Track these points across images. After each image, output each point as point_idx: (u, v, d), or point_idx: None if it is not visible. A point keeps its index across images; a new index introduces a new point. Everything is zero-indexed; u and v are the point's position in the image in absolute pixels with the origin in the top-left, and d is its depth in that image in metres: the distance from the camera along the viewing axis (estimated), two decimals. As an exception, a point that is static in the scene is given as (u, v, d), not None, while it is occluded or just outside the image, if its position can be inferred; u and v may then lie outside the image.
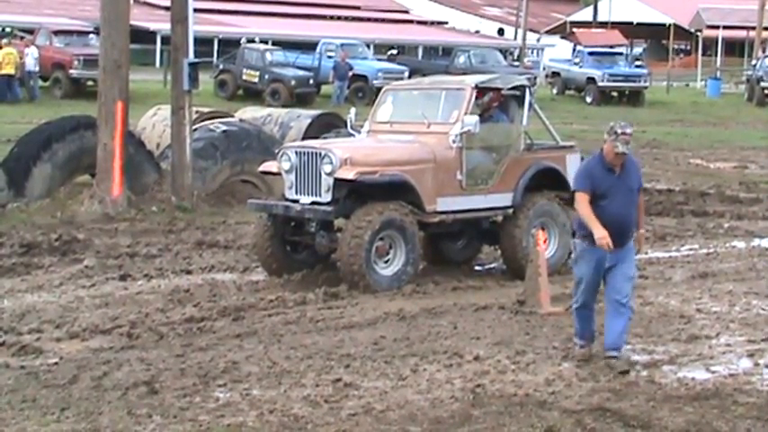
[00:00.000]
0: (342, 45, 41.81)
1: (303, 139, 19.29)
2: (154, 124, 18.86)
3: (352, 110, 13.68)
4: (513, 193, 12.51)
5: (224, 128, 17.38)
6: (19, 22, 47.07)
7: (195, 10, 16.80)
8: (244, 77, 38.56)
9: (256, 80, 38.21)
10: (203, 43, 41.34)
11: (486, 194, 12.41)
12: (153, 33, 48.13)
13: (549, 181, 12.89)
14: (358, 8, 66.81)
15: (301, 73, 38.37)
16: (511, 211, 12.52)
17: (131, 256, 13.03)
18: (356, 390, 8.21)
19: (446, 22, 69.20)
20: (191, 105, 16.31)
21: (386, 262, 11.73)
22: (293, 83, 37.33)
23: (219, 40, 50.34)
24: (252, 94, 37.72)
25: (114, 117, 15.56)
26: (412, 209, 11.87)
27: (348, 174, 11.52)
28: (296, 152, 12.09)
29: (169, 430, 7.33)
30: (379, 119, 12.99)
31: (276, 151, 12.72)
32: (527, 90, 12.93)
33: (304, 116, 20.26)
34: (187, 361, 8.83)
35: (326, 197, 11.69)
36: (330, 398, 8.01)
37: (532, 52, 61.21)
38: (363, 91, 38.93)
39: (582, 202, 8.85)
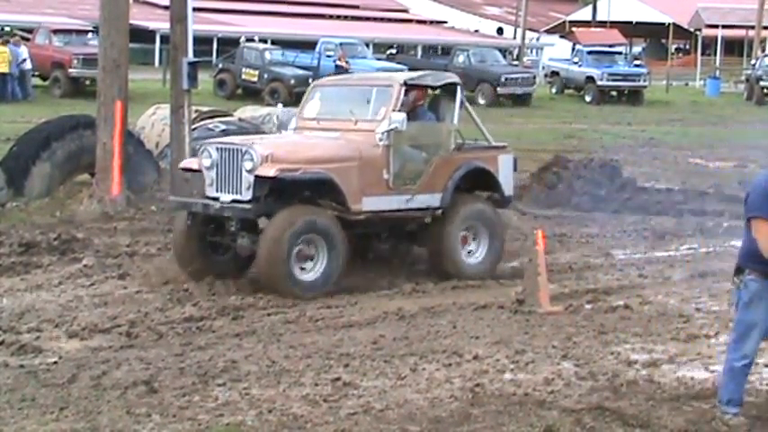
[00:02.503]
0: (341, 44, 41.82)
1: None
2: (153, 123, 18.86)
3: (279, 105, 13.53)
4: (442, 194, 12.19)
5: (223, 127, 17.39)
6: (19, 21, 47.07)
7: (194, 9, 16.78)
8: (243, 76, 38.57)
9: (255, 79, 38.22)
10: (203, 42, 41.34)
11: (414, 194, 12.06)
12: (152, 32, 48.14)
13: (480, 182, 12.71)
14: (357, 7, 66.81)
15: (300, 72, 38.35)
16: (440, 212, 12.19)
17: (131, 255, 13.03)
18: (355, 389, 8.21)
19: (445, 22, 69.23)
20: (190, 104, 16.29)
21: (306, 266, 11.26)
22: (292, 82, 37.31)
23: (219, 40, 50.31)
24: (251, 94, 37.72)
25: (113, 116, 15.56)
26: (336, 208, 11.55)
27: (269, 171, 11.14)
28: (217, 148, 11.70)
29: (168, 429, 7.33)
30: (307, 115, 12.71)
31: (196, 147, 12.37)
32: (458, 88, 12.65)
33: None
34: (186, 360, 8.83)
35: (247, 195, 11.27)
36: (329, 397, 8.00)
37: (532, 51, 61.26)
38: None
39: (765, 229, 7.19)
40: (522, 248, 13.47)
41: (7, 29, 42.78)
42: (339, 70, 38.09)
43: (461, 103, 12.59)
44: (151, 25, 47.34)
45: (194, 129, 16.93)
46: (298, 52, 41.82)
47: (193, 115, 17.10)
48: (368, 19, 64.79)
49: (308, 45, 44.66)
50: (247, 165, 11.22)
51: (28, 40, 37.39)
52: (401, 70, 40.32)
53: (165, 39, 35.51)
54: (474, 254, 12.49)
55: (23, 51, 34.73)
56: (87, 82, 34.63)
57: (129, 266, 12.46)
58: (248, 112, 20.63)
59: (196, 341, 9.53)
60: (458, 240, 12.26)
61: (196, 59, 16.31)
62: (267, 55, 39.36)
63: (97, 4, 16.27)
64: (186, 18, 16.19)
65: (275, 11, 61.67)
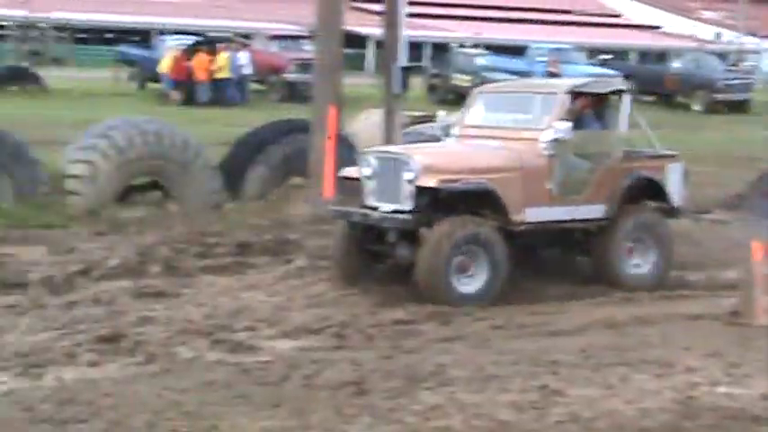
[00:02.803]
0: (552, 49, 41.52)
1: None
2: (365, 127, 19.09)
3: (442, 112, 13.31)
4: (608, 205, 11.84)
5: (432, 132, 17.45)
6: (238, 27, 48.41)
7: (407, 14, 16.92)
8: (454, 82, 38.67)
9: (467, 84, 38.24)
10: (414, 47, 41.64)
11: (579, 205, 11.75)
12: (365, 38, 48.83)
13: (647, 192, 12.28)
14: (569, 12, 66.25)
15: (512, 77, 38.18)
16: (605, 222, 11.87)
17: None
18: (563, 397, 8.12)
19: (660, 26, 67.96)
20: (401, 109, 16.44)
21: (467, 278, 11.04)
22: (502, 87, 37.15)
23: (431, 45, 50.64)
24: (462, 99, 37.71)
25: (327, 120, 15.80)
26: (497, 219, 11.27)
27: (429, 181, 10.95)
28: (377, 157, 11.59)
29: (376, 431, 7.40)
30: (469, 122, 12.46)
31: (357, 156, 12.17)
32: (626, 95, 12.26)
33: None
34: (395, 363, 8.89)
35: (407, 205, 11.09)
36: (536, 404, 7.94)
37: (751, 56, 59.52)
38: (574, 95, 38.52)
39: None
40: (734, 259, 13.07)
41: (226, 35, 44.02)
42: (550, 76, 37.83)
43: (630, 110, 12.22)
44: (364, 30, 47.99)
45: (406, 133, 17.07)
46: (509, 57, 41.73)
47: (405, 120, 17.24)
48: (580, 24, 64.18)
49: (519, 50, 44.52)
50: (407, 175, 11.07)
51: (247, 45, 38.37)
52: (615, 76, 39.89)
53: (378, 44, 35.99)
54: (640, 266, 12.09)
55: (243, 57, 35.66)
56: (302, 86, 35.31)
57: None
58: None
59: (405, 344, 9.60)
60: (623, 252, 11.91)
61: (408, 64, 16.44)
62: (478, 60, 39.38)
63: (313, 10, 16.56)
64: (399, 23, 16.34)
65: (487, 16, 61.71)
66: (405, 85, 16.20)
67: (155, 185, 15.71)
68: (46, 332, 9.70)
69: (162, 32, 44.97)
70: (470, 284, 11.05)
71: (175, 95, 34.23)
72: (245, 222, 14.73)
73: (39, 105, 30.23)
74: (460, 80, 38.39)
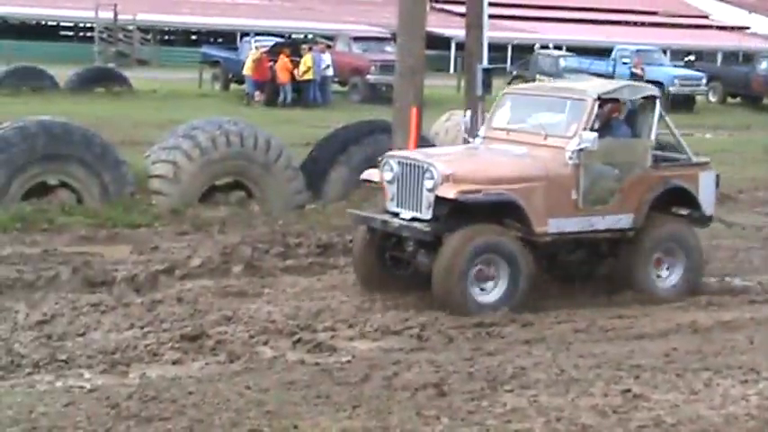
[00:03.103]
0: (637, 51, 41.17)
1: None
2: (447, 129, 19.08)
3: (468, 113, 12.64)
4: (635, 215, 11.46)
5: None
6: (321, 29, 48.67)
7: (490, 16, 16.86)
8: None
9: (549, 86, 38.06)
10: (497, 49, 41.56)
11: (605, 215, 11.36)
12: (448, 39, 48.82)
13: (678, 200, 11.92)
14: (655, 13, 65.67)
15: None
16: (632, 233, 11.50)
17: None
18: (646, 401, 8.05)
19: (748, 28, 67.08)
20: (483, 111, 16.38)
21: (487, 287, 10.75)
22: (587, 89, 36.94)
23: (513, 46, 50.50)
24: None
25: (409, 122, 15.80)
26: (520, 230, 10.99)
27: (449, 192, 10.63)
28: (398, 162, 11.28)
29: (457, 433, 7.40)
30: (496, 124, 12.04)
31: (379, 159, 11.87)
32: (656, 101, 11.82)
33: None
34: (475, 365, 8.86)
35: (427, 214, 10.83)
36: (619, 408, 7.88)
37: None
38: (658, 97, 38.17)
39: None
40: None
41: (310, 36, 44.26)
42: (634, 77, 37.52)
43: (660, 116, 11.78)
44: (447, 32, 48.03)
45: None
46: (593, 59, 41.47)
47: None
48: (665, 25, 63.56)
49: (603, 52, 44.22)
50: (428, 183, 10.80)
51: (329, 47, 38.55)
52: (700, 78, 39.46)
53: (460, 46, 35.92)
54: (667, 278, 11.73)
55: (327, 58, 35.82)
56: (384, 88, 35.40)
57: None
58: (542, 118, 20.59)
59: (485, 346, 9.58)
60: (650, 263, 11.57)
61: (490, 66, 16.38)
62: (561, 62, 39.23)
63: (396, 11, 16.58)
64: (481, 25, 16.30)
65: (570, 17, 61.37)
66: (487, 87, 16.13)
67: (237, 186, 15.82)
68: (130, 330, 9.83)
69: (246, 34, 45.33)
70: (489, 294, 10.77)
71: (258, 96, 34.49)
72: (327, 223, 14.79)
73: (124, 106, 30.62)
74: (543, 82, 38.18)
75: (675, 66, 43.25)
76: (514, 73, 39.81)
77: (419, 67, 16.15)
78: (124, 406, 7.66)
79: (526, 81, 38.46)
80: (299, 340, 9.58)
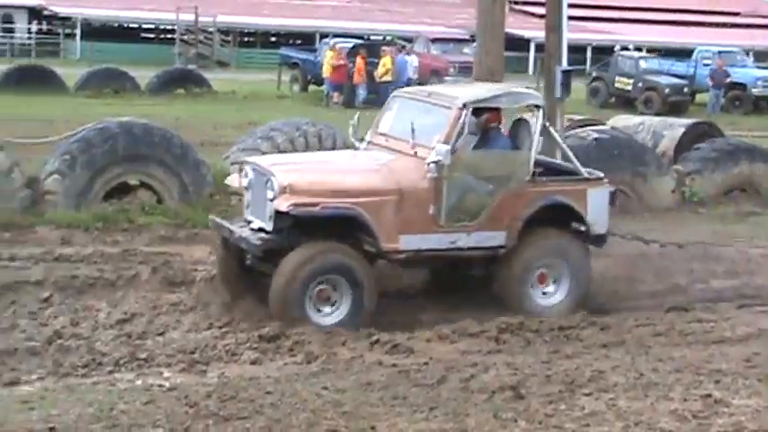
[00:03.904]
0: (719, 52, 40.71)
1: (676, 149, 18.93)
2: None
3: (355, 117, 11.53)
4: (508, 232, 10.53)
5: (595, 136, 17.28)
6: (400, 30, 48.77)
7: (569, 17, 16.76)
8: (616, 85, 38.23)
9: (629, 88, 37.80)
10: (576, 51, 41.38)
11: (471, 232, 10.43)
12: (527, 41, 48.64)
13: (563, 217, 10.95)
14: (737, 14, 64.87)
15: (676, 81, 37.65)
16: (502, 251, 10.59)
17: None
18: (726, 407, 7.95)
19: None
20: (563, 113, 16.29)
21: (329, 307, 9.97)
22: (667, 91, 36.68)
23: (593, 48, 50.18)
24: (624, 102, 37.35)
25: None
26: (372, 246, 10.17)
27: (282, 204, 9.88)
28: (252, 168, 10.54)
29: (534, 436, 7.37)
30: (380, 129, 11.10)
31: (235, 163, 11.05)
32: (539, 110, 10.85)
33: (678, 125, 19.87)
34: (553, 368, 8.82)
35: (269, 225, 10.07)
36: (699, 413, 7.79)
37: None
38: (741, 99, 37.76)
39: None
40: None
41: (388, 38, 44.35)
42: (717, 78, 37.12)
43: (542, 127, 10.83)
44: (526, 34, 47.85)
45: (567, 137, 16.93)
46: (673, 60, 41.08)
47: (566, 124, 17.10)
48: (749, 26, 62.75)
49: (684, 53, 43.79)
50: (269, 193, 10.03)
51: (405, 48, 38.60)
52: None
53: (539, 47, 35.83)
54: (553, 294, 10.82)
55: (413, 60, 35.83)
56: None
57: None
58: (621, 121, 20.46)
59: (563, 349, 9.52)
60: (528, 280, 10.66)
61: (569, 68, 16.29)
62: (642, 63, 38.86)
63: (474, 13, 16.56)
64: (561, 26, 16.20)
65: (651, 18, 60.86)
66: (567, 89, 16.05)
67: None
68: (209, 330, 9.92)
69: (325, 36, 45.54)
70: (331, 315, 9.99)
71: (337, 98, 34.61)
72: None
73: (204, 108, 30.90)
74: (623, 83, 37.95)
75: (759, 67, 42.67)
76: (594, 75, 39.52)
77: (498, 69, 16.11)
78: (203, 405, 7.74)
79: (605, 83, 38.36)
80: (376, 341, 9.58)
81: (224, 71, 46.27)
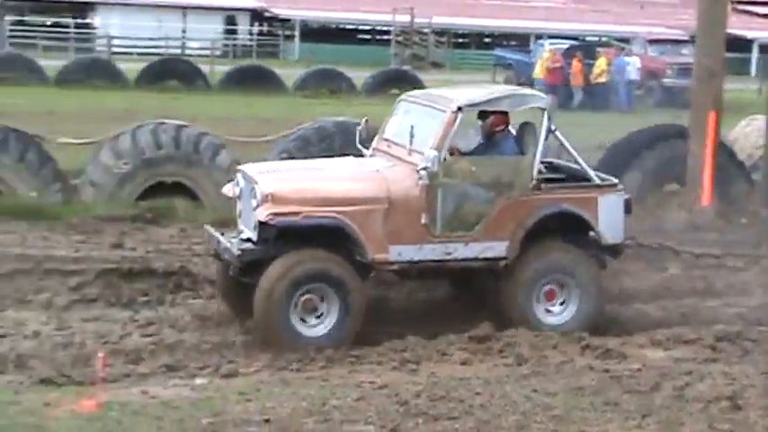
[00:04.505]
0: None
1: None
2: (747, 134, 18.50)
3: (363, 121, 10.98)
4: (511, 242, 9.90)
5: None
6: (616, 31, 48.19)
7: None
8: None
9: None
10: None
11: (468, 243, 9.84)
12: (749, 41, 47.38)
13: (576, 226, 10.21)
14: None
15: None
16: (503, 263, 9.96)
17: (717, 268, 12.81)
18: None
19: None
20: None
21: (310, 319, 9.47)
22: None
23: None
24: None
25: (706, 127, 15.42)
26: (360, 256, 9.63)
27: (262, 214, 9.41)
28: (243, 176, 10.11)
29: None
30: (385, 134, 10.59)
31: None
32: (543, 113, 10.17)
33: None
34: (773, 379, 8.57)
35: (254, 235, 9.63)
36: None
37: None
38: None
39: None
40: None
41: (604, 39, 43.84)
42: None
43: (548, 132, 10.15)
44: (749, 34, 46.59)
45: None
46: None
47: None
48: None
49: None
50: (253, 202, 9.60)
51: (623, 50, 38.07)
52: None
53: (763, 48, 34.91)
54: (560, 312, 10.15)
55: (635, 61, 35.32)
56: (678, 91, 34.63)
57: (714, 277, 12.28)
58: None
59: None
60: (533, 295, 9.99)
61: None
62: None
63: (694, 13, 16.21)
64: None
65: None
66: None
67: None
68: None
69: (540, 37, 45.32)
70: (318, 327, 9.51)
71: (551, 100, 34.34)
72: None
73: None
74: None
75: None
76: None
77: (718, 70, 15.75)
78: (413, 403, 7.80)
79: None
80: (587, 346, 9.46)
81: (438, 72, 46.56)
